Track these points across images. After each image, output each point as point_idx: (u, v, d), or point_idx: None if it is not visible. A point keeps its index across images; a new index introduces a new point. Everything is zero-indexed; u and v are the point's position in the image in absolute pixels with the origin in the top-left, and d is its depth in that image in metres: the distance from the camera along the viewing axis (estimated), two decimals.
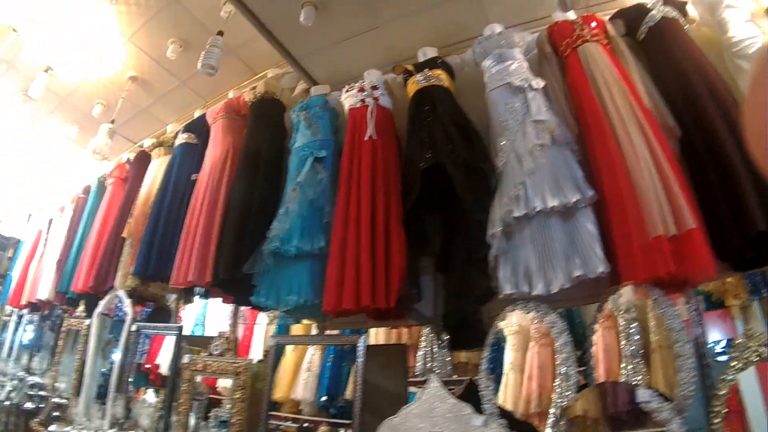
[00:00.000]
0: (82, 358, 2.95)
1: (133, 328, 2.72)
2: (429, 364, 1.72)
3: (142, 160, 3.31)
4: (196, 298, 2.82)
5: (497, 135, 1.79)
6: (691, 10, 1.96)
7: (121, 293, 2.81)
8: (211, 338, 2.41)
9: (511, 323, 1.81)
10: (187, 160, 2.83)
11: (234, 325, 2.78)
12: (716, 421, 1.27)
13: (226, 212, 2.34)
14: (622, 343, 1.51)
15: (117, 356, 2.74)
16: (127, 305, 2.78)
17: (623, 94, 1.68)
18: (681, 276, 1.41)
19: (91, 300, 3.03)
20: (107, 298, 2.90)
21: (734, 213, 1.43)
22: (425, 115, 1.94)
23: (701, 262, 1.38)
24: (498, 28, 2.04)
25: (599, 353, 1.58)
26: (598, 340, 1.59)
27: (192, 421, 2.26)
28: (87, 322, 3.01)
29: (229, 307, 2.82)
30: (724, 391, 1.30)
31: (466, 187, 1.71)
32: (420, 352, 1.77)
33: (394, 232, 1.80)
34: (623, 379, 1.46)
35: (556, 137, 1.67)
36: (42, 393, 3.40)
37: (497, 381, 1.74)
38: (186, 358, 2.33)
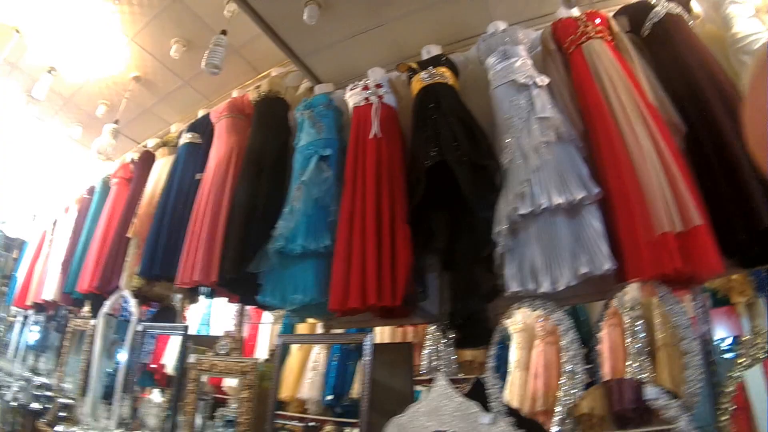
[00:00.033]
0: (87, 359, 2.97)
1: (139, 328, 2.73)
2: (435, 363, 1.73)
3: (147, 160, 3.31)
4: (202, 298, 2.83)
5: (502, 132, 1.78)
6: (696, 6, 1.95)
7: (127, 293, 2.82)
8: (217, 338, 2.42)
9: (516, 321, 1.81)
10: (191, 159, 2.82)
11: (240, 324, 2.78)
12: (723, 418, 1.28)
13: (230, 211, 2.34)
14: (628, 340, 1.51)
15: (123, 356, 2.76)
16: (133, 305, 2.80)
17: (628, 91, 1.67)
18: (687, 273, 1.40)
19: (97, 300, 3.04)
20: (112, 298, 2.91)
21: (740, 209, 1.42)
22: (430, 113, 1.93)
23: (708, 258, 1.37)
24: (502, 25, 2.04)
25: (605, 351, 1.58)
26: (604, 337, 1.59)
27: (198, 420, 2.27)
28: (92, 322, 3.02)
29: (234, 307, 2.82)
30: (731, 389, 1.30)
31: (471, 185, 1.70)
32: (425, 351, 1.77)
33: (400, 229, 1.80)
34: (629, 377, 1.46)
35: (561, 134, 1.66)
36: (48, 393, 3.40)
37: (503, 379, 1.74)
38: (192, 358, 2.34)
